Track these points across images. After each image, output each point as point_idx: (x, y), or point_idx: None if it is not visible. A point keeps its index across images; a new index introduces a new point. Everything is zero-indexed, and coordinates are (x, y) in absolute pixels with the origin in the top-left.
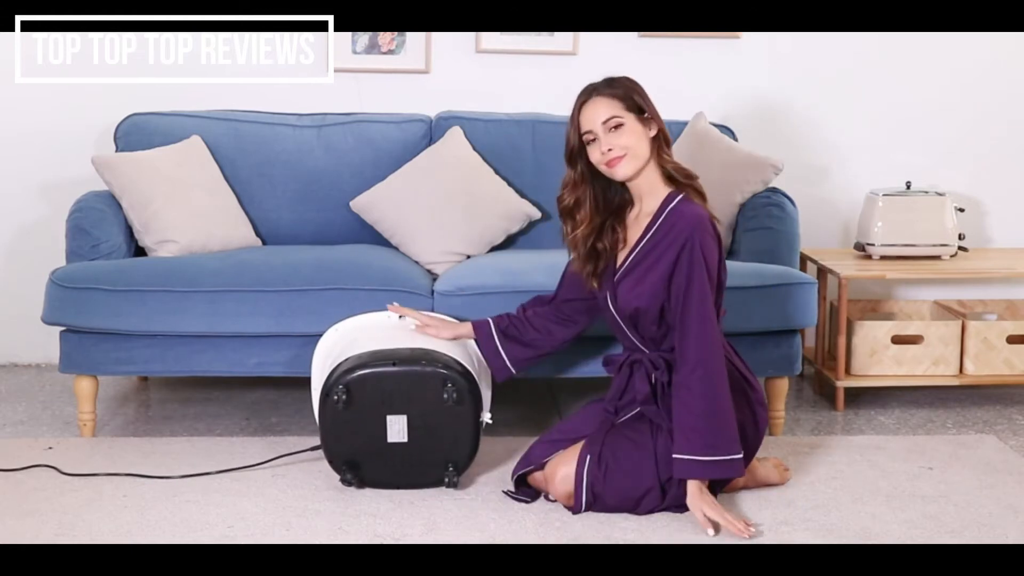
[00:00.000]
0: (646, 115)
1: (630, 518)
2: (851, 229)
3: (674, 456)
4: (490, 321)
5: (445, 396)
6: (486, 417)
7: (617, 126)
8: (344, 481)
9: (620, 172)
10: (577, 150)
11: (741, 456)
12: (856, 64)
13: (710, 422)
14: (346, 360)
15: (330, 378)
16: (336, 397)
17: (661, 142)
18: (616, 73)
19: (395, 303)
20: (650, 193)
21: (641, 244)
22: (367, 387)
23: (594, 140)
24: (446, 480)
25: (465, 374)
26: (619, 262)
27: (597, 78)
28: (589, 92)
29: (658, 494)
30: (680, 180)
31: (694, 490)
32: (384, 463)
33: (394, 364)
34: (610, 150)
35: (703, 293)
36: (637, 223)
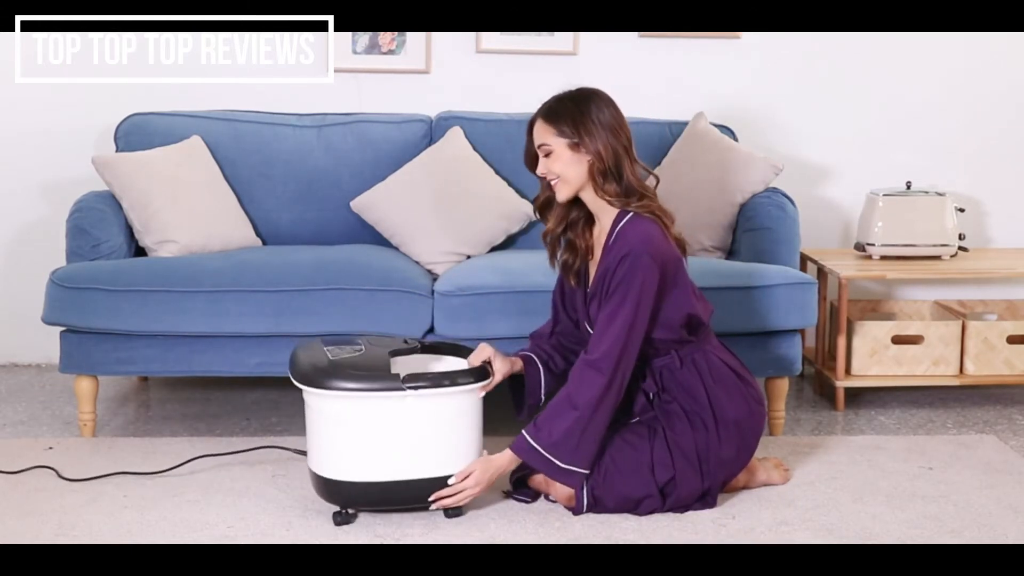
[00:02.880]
0: (577, 143)
1: (630, 518)
2: (851, 229)
3: (524, 434)
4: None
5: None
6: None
7: (547, 154)
8: (338, 521)
9: (557, 195)
10: (531, 160)
11: (587, 472)
12: (856, 64)
13: (578, 431)
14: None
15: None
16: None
17: (596, 173)
18: (585, 85)
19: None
20: (602, 211)
21: (599, 267)
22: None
23: None
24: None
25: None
26: (590, 281)
27: (599, 77)
28: (536, 113)
29: (658, 499)
30: (624, 207)
31: (503, 463)
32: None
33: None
34: (546, 173)
35: (624, 304)
36: (599, 240)
